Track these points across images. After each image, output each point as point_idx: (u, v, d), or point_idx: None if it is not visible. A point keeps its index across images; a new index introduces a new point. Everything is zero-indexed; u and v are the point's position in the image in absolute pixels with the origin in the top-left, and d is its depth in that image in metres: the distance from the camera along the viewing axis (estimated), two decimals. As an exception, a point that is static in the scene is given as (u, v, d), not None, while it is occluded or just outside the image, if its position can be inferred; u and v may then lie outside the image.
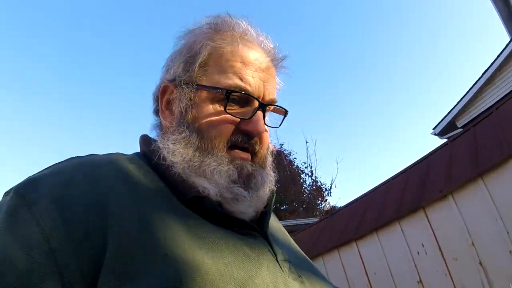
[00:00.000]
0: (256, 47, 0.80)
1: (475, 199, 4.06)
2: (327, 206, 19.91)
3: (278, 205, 18.68)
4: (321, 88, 33.92)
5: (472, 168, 4.13)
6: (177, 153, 0.71)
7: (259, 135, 0.75)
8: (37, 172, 0.64)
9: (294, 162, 21.68)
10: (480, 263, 3.94)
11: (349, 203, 6.81)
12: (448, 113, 10.36)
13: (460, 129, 8.94)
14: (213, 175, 0.69)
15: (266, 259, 0.66)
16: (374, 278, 5.09)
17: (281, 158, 19.35)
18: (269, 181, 0.79)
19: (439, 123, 10.59)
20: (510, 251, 3.77)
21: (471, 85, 9.87)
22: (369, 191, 6.22)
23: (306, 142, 21.29)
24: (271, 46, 0.83)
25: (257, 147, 0.76)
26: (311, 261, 0.89)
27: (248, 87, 0.74)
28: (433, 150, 5.15)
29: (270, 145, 0.84)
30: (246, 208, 0.71)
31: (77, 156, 0.70)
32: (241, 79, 0.74)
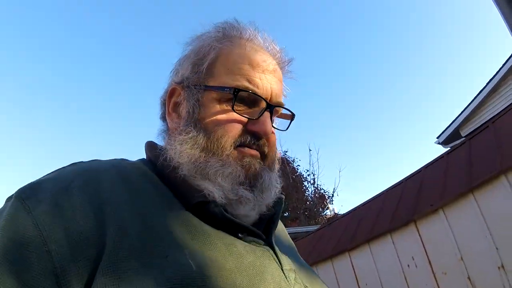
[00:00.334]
0: (263, 51, 0.81)
1: (465, 214, 4.13)
2: (330, 213, 19.96)
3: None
4: (325, 96, 33.95)
5: (464, 183, 4.20)
6: (184, 154, 0.72)
7: (266, 135, 0.76)
8: (39, 177, 0.66)
9: (298, 170, 21.80)
10: (469, 278, 4.02)
11: (346, 212, 6.90)
12: (452, 122, 10.40)
13: (478, 128, 8.95)
14: (216, 178, 0.69)
15: (271, 268, 0.66)
16: (366, 289, 5.18)
17: (284, 165, 19.42)
18: (275, 185, 0.79)
19: (443, 132, 10.64)
20: (499, 267, 3.84)
21: (476, 94, 9.92)
22: (366, 201, 6.31)
23: (310, 150, 21.37)
24: (278, 49, 0.85)
25: (265, 149, 0.77)
26: (315, 273, 0.87)
27: (256, 89, 0.75)
28: (428, 163, 5.22)
29: (278, 151, 0.84)
30: (249, 210, 0.72)
31: (80, 161, 0.71)
32: (249, 81, 0.75)
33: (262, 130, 0.74)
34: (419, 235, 4.46)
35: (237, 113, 0.74)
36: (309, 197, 21.00)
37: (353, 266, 5.38)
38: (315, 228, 9.74)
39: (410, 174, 5.47)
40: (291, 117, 0.86)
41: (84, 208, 0.57)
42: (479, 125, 9.34)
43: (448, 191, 4.35)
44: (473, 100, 9.98)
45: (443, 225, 4.28)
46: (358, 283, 5.26)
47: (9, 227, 0.55)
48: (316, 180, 20.78)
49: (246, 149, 0.74)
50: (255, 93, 0.75)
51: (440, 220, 4.31)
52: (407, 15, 33.10)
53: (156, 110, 0.89)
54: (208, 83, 0.77)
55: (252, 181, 0.73)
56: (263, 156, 0.77)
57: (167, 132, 0.83)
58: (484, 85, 9.82)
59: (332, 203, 20.53)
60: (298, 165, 22.12)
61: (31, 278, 0.51)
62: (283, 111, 0.85)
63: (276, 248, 0.72)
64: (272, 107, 0.77)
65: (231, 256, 0.61)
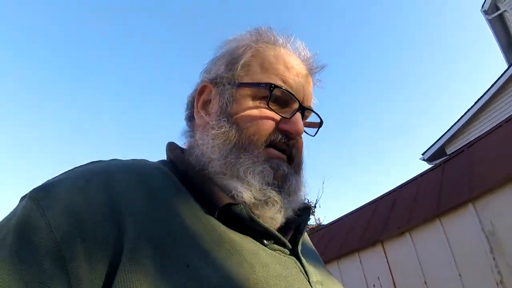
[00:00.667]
0: (296, 56, 0.83)
1: (431, 239, 4.25)
2: (315, 222, 20.05)
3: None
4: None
5: (432, 208, 4.32)
6: (217, 149, 0.71)
7: (298, 135, 0.76)
8: (54, 176, 0.64)
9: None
10: (431, 303, 4.14)
11: (321, 227, 7.00)
12: (438, 139, 10.55)
13: (454, 151, 9.11)
14: (247, 175, 0.68)
15: (298, 279, 0.65)
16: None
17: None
18: (302, 189, 0.79)
19: (429, 149, 10.77)
20: (461, 294, 3.97)
21: (464, 113, 10.08)
22: (340, 217, 6.43)
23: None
24: (309, 55, 0.85)
25: (294, 151, 0.77)
26: (340, 282, 0.86)
27: (290, 89, 0.76)
28: (402, 184, 5.35)
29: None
30: (275, 213, 0.70)
31: (99, 160, 0.70)
32: (283, 81, 0.76)
33: (294, 130, 0.74)
34: (386, 256, 4.58)
35: (271, 110, 0.75)
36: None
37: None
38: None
39: (384, 194, 5.60)
40: (319, 124, 0.87)
41: (101, 210, 0.55)
42: (464, 143, 9.49)
43: (416, 215, 4.47)
44: (460, 119, 10.14)
45: (409, 248, 4.40)
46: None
47: (22, 228, 0.53)
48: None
49: (275, 151, 0.74)
50: (289, 92, 0.76)
51: (407, 243, 4.44)
52: (390, 33, 33.40)
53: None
54: (243, 80, 0.77)
55: (280, 182, 0.72)
56: (290, 160, 0.77)
57: (195, 129, 0.82)
58: (472, 104, 10.00)
59: (314, 215, 20.59)
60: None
61: (43, 280, 0.49)
62: (310, 118, 0.86)
63: (303, 259, 0.72)
64: (304, 109, 0.78)
65: (257, 265, 0.60)
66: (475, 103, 9.98)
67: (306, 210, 0.80)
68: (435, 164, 5.37)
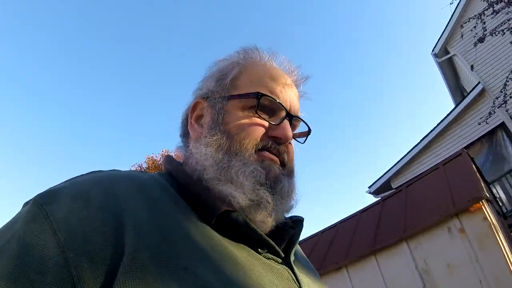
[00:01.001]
0: (281, 69, 0.89)
1: (367, 275, 4.44)
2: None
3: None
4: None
5: (368, 244, 4.53)
6: (209, 156, 0.75)
7: (287, 140, 0.79)
8: (57, 184, 0.66)
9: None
10: None
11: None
12: (385, 173, 11.00)
13: (394, 190, 9.49)
14: (238, 176, 0.71)
15: None
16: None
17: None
18: (294, 193, 0.81)
19: (375, 182, 11.21)
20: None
21: (410, 149, 10.60)
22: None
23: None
24: (293, 68, 0.92)
25: (285, 156, 0.81)
26: None
27: (277, 98, 0.81)
28: (343, 219, 5.54)
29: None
30: (266, 217, 0.72)
31: (99, 170, 0.72)
32: (271, 92, 0.81)
33: (283, 135, 0.78)
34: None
35: (260, 118, 0.79)
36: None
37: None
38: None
39: (326, 228, 5.76)
40: (307, 133, 0.91)
41: (103, 216, 0.57)
42: (409, 178, 9.93)
43: (353, 250, 4.64)
44: (406, 155, 10.67)
45: (345, 284, 4.56)
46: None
47: (26, 232, 0.54)
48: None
49: (267, 153, 0.77)
50: (276, 100, 0.80)
51: (343, 278, 4.59)
52: (334, 77, 34.77)
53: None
54: (232, 93, 0.82)
55: (273, 183, 0.74)
56: (282, 165, 0.80)
57: (189, 142, 0.85)
58: (418, 141, 10.55)
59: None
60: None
61: (46, 285, 0.50)
62: (298, 130, 0.90)
63: (295, 269, 0.75)
64: (292, 117, 0.83)
65: (251, 272, 0.63)
66: (421, 140, 10.54)
67: (299, 222, 0.85)
68: (376, 201, 5.60)
